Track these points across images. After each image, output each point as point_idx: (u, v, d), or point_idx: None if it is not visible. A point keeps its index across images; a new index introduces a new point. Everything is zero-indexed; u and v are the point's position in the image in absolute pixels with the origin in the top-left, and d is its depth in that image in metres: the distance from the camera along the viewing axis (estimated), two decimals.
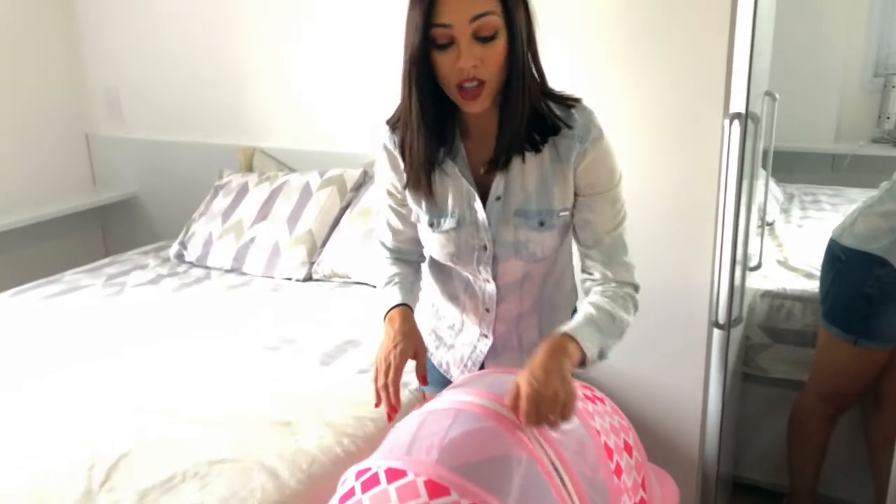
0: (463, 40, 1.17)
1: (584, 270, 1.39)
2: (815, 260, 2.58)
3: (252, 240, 2.76)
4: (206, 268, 2.83)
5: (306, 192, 2.78)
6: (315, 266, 2.66)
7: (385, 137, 1.38)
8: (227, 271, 2.78)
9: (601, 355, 1.25)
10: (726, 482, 2.35)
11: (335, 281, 2.62)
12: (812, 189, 3.62)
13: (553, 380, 1.08)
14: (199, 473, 1.50)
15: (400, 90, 1.27)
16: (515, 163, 1.30)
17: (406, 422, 1.14)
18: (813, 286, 2.42)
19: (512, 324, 1.47)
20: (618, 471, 1.12)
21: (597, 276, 1.36)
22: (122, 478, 1.49)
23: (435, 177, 1.33)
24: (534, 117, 1.28)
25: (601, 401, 1.22)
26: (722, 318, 1.93)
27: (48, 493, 1.46)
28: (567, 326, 1.23)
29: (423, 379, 1.34)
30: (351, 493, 1.02)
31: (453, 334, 1.53)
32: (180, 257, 2.92)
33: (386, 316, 1.39)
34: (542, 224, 1.32)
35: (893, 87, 3.64)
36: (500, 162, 1.29)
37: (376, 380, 1.31)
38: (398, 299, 1.40)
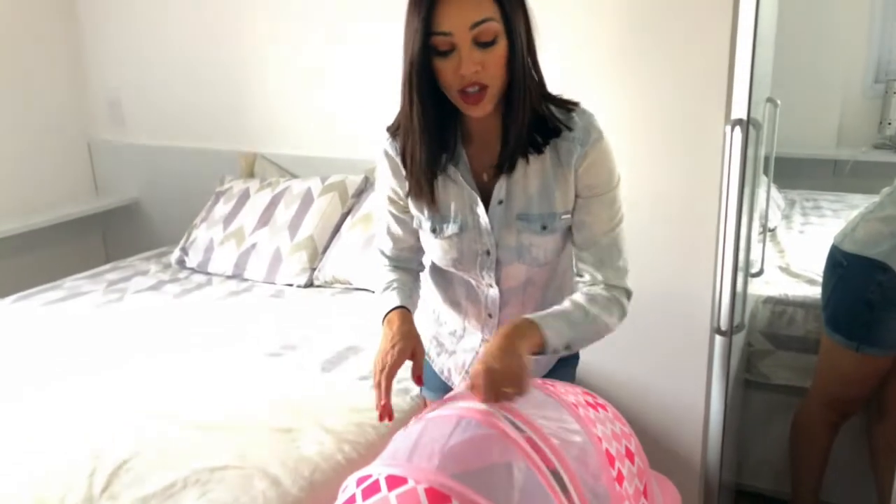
0: (463, 47, 1.18)
1: (576, 273, 1.39)
2: (816, 266, 2.58)
3: (253, 246, 2.76)
4: (208, 274, 2.83)
5: (307, 199, 2.79)
6: (316, 272, 2.66)
7: (386, 144, 1.38)
8: (229, 277, 2.78)
9: (567, 347, 1.26)
10: (728, 489, 2.34)
11: (336, 287, 2.62)
12: (813, 195, 3.62)
13: (506, 356, 1.13)
14: (200, 480, 1.49)
15: (400, 97, 1.28)
16: (518, 167, 1.30)
17: (407, 428, 1.13)
18: (815, 292, 2.42)
19: None
20: (619, 478, 1.11)
21: (587, 278, 1.36)
22: (123, 484, 1.49)
23: (437, 183, 1.33)
24: (535, 120, 1.28)
25: (603, 407, 1.21)
26: (724, 325, 1.92)
27: (49, 498, 1.45)
28: (534, 314, 1.25)
29: (418, 379, 1.33)
30: (352, 500, 1.01)
31: (455, 340, 1.53)
32: (181, 263, 2.92)
33: (384, 319, 1.39)
34: (544, 228, 1.33)
35: (894, 92, 3.64)
36: (505, 165, 1.29)
37: (374, 380, 1.31)
38: (397, 302, 1.40)
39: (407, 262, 1.50)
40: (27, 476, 1.53)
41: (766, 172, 2.40)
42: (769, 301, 2.45)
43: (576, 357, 1.63)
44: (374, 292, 1.47)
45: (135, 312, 2.45)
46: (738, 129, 1.77)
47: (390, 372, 1.27)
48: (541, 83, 1.31)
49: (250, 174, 3.14)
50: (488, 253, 1.36)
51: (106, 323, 2.36)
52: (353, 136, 2.89)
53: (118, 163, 3.60)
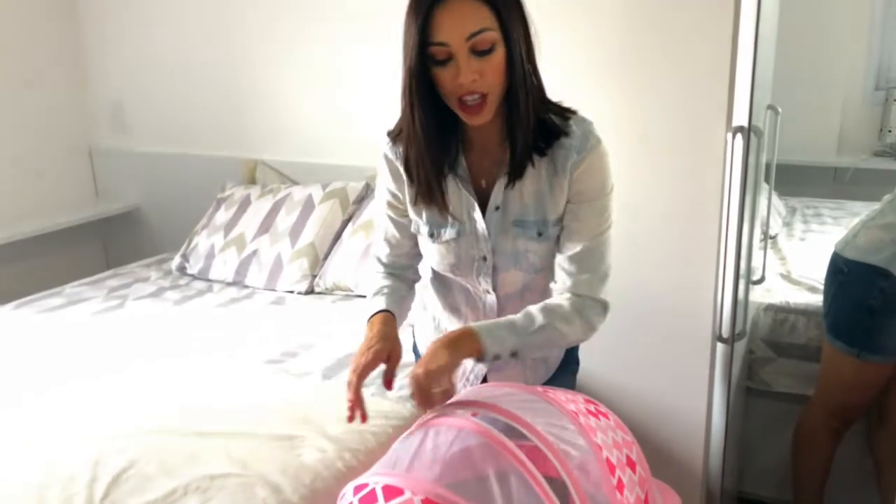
0: (461, 56, 1.18)
1: (555, 279, 1.37)
2: (817, 273, 2.57)
3: (254, 253, 2.76)
4: (208, 281, 2.83)
5: (308, 205, 2.79)
6: (317, 279, 2.66)
7: (385, 148, 1.39)
8: (229, 284, 2.78)
9: (514, 354, 1.26)
10: (730, 497, 2.33)
11: (337, 294, 2.62)
12: (814, 202, 3.62)
13: (431, 361, 1.18)
14: (200, 488, 1.49)
15: (401, 104, 1.28)
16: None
17: (407, 437, 1.13)
18: (816, 300, 2.42)
19: None
20: (620, 486, 1.11)
21: (558, 285, 1.35)
22: (124, 492, 1.48)
23: (446, 186, 1.33)
24: (538, 124, 1.28)
25: (605, 415, 1.21)
26: (725, 332, 1.92)
27: None
28: (479, 322, 1.27)
29: (387, 383, 1.33)
30: None
31: None
32: (182, 270, 2.92)
33: (368, 321, 1.39)
34: (540, 234, 1.33)
35: (895, 100, 3.65)
36: (515, 173, 1.29)
37: (349, 380, 1.31)
38: (382, 306, 1.40)
39: (402, 270, 1.50)
40: (27, 483, 1.52)
41: (767, 180, 2.41)
42: (770, 308, 2.45)
43: (576, 364, 1.62)
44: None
45: (135, 319, 2.45)
46: (739, 136, 1.77)
47: (363, 372, 1.28)
48: (540, 89, 1.31)
49: (251, 181, 3.14)
50: (485, 259, 1.36)
51: (106, 330, 2.36)
52: (355, 143, 2.89)
53: (119, 169, 3.60)
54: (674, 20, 1.80)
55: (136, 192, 3.59)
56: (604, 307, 1.35)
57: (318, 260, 2.68)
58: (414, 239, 1.45)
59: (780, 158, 2.40)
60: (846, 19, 3.72)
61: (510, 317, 1.30)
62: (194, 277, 2.87)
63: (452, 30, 1.17)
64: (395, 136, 1.37)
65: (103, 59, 3.50)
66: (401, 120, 1.31)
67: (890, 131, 3.69)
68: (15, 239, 3.16)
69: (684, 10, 1.78)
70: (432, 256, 1.42)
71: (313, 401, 1.84)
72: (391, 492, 0.99)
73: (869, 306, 1.96)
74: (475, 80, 1.19)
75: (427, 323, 1.56)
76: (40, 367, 2.07)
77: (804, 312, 2.41)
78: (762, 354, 2.45)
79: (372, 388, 1.85)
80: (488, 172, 1.34)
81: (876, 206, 2.07)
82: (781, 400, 2.44)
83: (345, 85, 2.92)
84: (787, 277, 2.66)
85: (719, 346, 1.97)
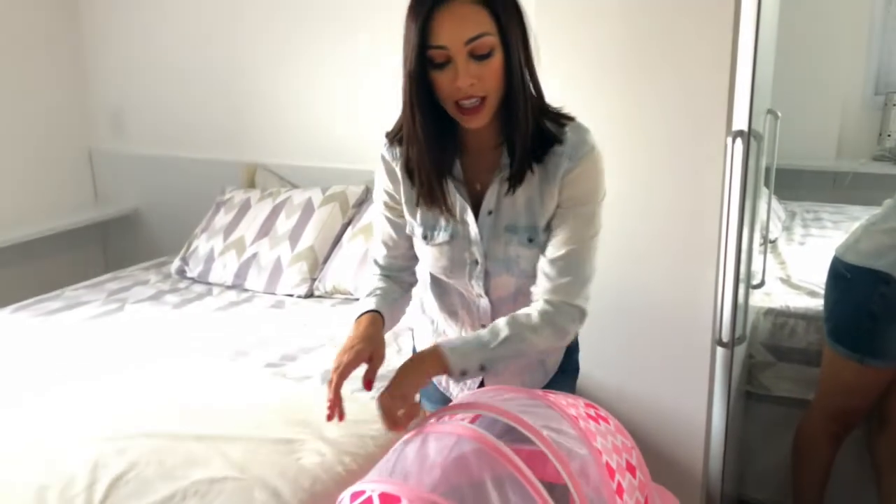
0: (459, 60, 1.19)
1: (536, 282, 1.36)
2: (817, 277, 2.57)
3: (254, 256, 2.76)
4: (208, 284, 2.82)
5: (308, 209, 2.79)
6: (317, 283, 2.65)
7: (383, 148, 1.39)
8: (229, 287, 2.77)
9: (483, 368, 1.27)
10: (731, 501, 2.33)
11: (337, 298, 2.62)
12: (814, 206, 3.62)
13: (393, 388, 1.20)
14: (199, 492, 1.48)
15: (401, 106, 1.28)
16: (505, 179, 1.31)
17: (405, 443, 1.13)
18: (816, 304, 2.42)
19: None
20: (619, 491, 1.11)
21: (538, 288, 1.33)
22: (122, 496, 1.48)
23: (447, 188, 1.33)
24: (535, 131, 1.28)
25: (605, 420, 1.21)
26: (725, 337, 1.92)
27: None
28: (447, 339, 1.28)
29: (367, 384, 1.31)
30: None
31: None
32: (182, 273, 2.92)
33: (355, 321, 1.39)
34: (530, 240, 1.33)
35: (894, 104, 3.65)
36: (516, 179, 1.29)
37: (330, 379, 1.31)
38: (371, 306, 1.40)
39: (399, 272, 1.50)
40: (26, 485, 1.52)
41: (766, 184, 2.41)
42: (770, 313, 2.45)
43: (576, 368, 1.62)
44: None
45: (134, 322, 2.44)
46: (739, 140, 1.77)
47: (343, 372, 1.27)
48: (539, 94, 1.31)
49: (251, 184, 3.14)
50: (476, 262, 1.36)
51: (105, 333, 2.36)
52: (355, 147, 2.89)
53: (119, 172, 3.60)
54: (674, 24, 1.80)
55: (136, 195, 3.59)
56: (581, 314, 1.33)
57: (318, 263, 2.68)
58: (410, 240, 1.45)
59: (779, 162, 2.40)
60: (846, 24, 3.73)
61: (479, 331, 1.31)
62: (194, 281, 2.87)
63: (451, 33, 1.18)
64: (392, 137, 1.37)
65: (103, 63, 3.50)
66: (400, 121, 1.32)
67: (889, 135, 3.69)
68: (15, 242, 3.16)
69: (684, 14, 1.78)
70: (426, 258, 1.42)
71: (312, 404, 1.84)
72: (388, 500, 0.99)
73: (871, 311, 1.96)
74: (473, 84, 1.20)
75: (426, 326, 1.56)
76: (40, 370, 2.07)
77: (804, 317, 2.40)
78: (762, 359, 2.44)
79: (371, 392, 1.85)
80: (483, 176, 1.34)
81: (876, 210, 2.06)
82: (781, 404, 2.43)
83: (345, 88, 2.92)
84: (786, 282, 2.65)
85: (719, 350, 1.97)
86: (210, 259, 2.84)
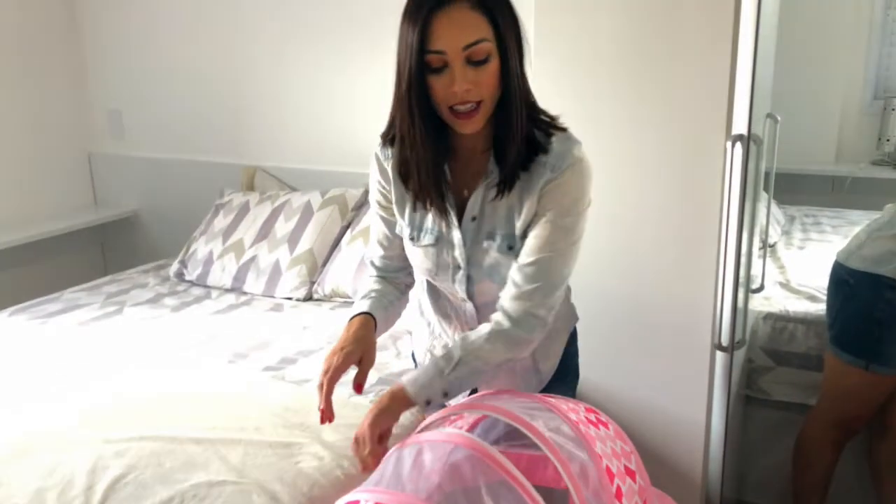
0: (456, 65, 1.19)
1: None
2: (816, 282, 2.58)
3: (252, 259, 2.76)
4: (207, 287, 2.82)
5: (307, 212, 2.78)
6: (315, 286, 2.65)
7: (377, 148, 1.41)
8: (228, 290, 2.77)
9: (446, 394, 1.26)
10: None
11: (336, 301, 2.62)
12: (813, 211, 3.63)
13: (363, 431, 1.24)
14: (198, 495, 1.48)
15: (395, 109, 1.29)
16: (491, 187, 1.31)
17: (401, 451, 1.13)
18: (815, 308, 2.42)
19: None
20: (619, 495, 1.11)
21: (504, 293, 1.32)
22: (121, 499, 1.48)
23: (446, 188, 1.33)
24: (524, 137, 1.28)
25: (605, 425, 1.21)
26: (725, 341, 1.92)
27: None
28: (409, 374, 1.29)
29: (357, 387, 1.33)
30: None
31: None
32: (180, 276, 2.91)
33: (348, 322, 1.39)
34: (510, 248, 1.32)
35: (893, 109, 3.65)
36: (506, 185, 1.29)
37: (319, 381, 1.32)
38: (364, 309, 1.41)
39: (396, 274, 1.50)
40: (24, 488, 1.51)
41: (766, 188, 2.41)
42: (769, 317, 2.45)
43: (575, 375, 1.62)
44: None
45: (133, 325, 2.44)
46: (738, 144, 1.78)
47: (333, 375, 1.29)
48: (531, 103, 1.31)
49: (250, 187, 3.14)
50: (459, 267, 1.37)
51: (104, 336, 2.35)
52: (353, 150, 2.89)
53: (118, 175, 3.60)
54: (674, 28, 1.80)
55: (135, 197, 3.58)
56: (541, 324, 1.31)
57: (317, 266, 2.68)
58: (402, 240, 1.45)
59: (779, 167, 2.40)
60: (845, 29, 3.74)
61: (437, 357, 1.30)
62: (192, 283, 2.86)
63: (449, 39, 1.18)
64: (385, 137, 1.38)
65: (102, 66, 3.50)
66: (392, 124, 1.32)
67: (888, 140, 3.70)
68: (14, 244, 3.15)
69: (684, 18, 1.78)
70: (414, 259, 1.43)
71: (311, 408, 1.83)
72: None
73: (876, 317, 1.95)
74: (468, 89, 1.20)
75: (423, 328, 1.56)
76: (38, 373, 2.07)
77: (803, 321, 2.40)
78: (761, 363, 2.44)
79: (370, 396, 1.85)
80: (470, 182, 1.34)
81: (875, 214, 2.06)
82: (780, 409, 2.43)
83: (344, 92, 2.92)
84: (786, 286, 2.65)
85: (718, 354, 1.97)
86: (209, 262, 2.84)
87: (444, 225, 1.35)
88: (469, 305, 1.42)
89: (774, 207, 3.12)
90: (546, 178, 1.27)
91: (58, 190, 3.52)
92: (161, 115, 3.39)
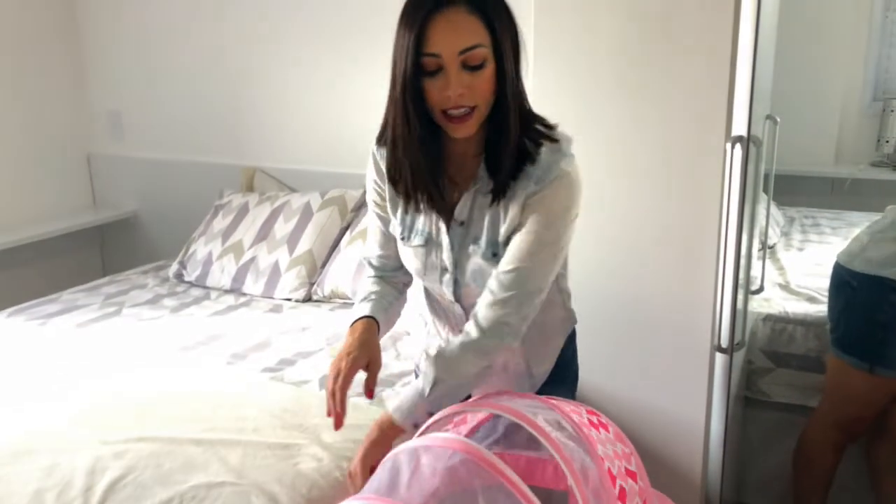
0: (451, 69, 1.19)
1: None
2: (816, 283, 2.58)
3: (252, 260, 2.75)
4: (206, 288, 2.82)
5: (307, 213, 2.78)
6: (315, 287, 2.65)
7: (373, 146, 1.42)
8: (227, 291, 2.77)
9: (432, 413, 1.26)
10: None
11: (335, 302, 2.61)
12: (812, 212, 3.63)
13: (356, 465, 1.29)
14: (197, 497, 1.48)
15: (389, 111, 1.29)
16: (480, 192, 1.31)
17: (398, 457, 1.13)
18: (815, 310, 2.42)
19: None
20: (622, 495, 1.11)
21: (479, 301, 1.31)
22: (120, 500, 1.47)
23: (444, 185, 1.33)
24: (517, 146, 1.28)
25: (605, 427, 1.21)
26: (724, 342, 1.92)
27: None
28: (391, 400, 1.35)
29: (369, 392, 1.35)
30: None
31: None
32: (179, 277, 2.91)
33: (350, 327, 1.40)
34: (494, 255, 1.32)
35: (892, 111, 3.66)
36: (499, 192, 1.29)
37: (327, 386, 1.33)
38: (366, 312, 1.41)
39: (393, 273, 1.50)
40: (23, 489, 1.51)
41: (765, 189, 2.41)
42: (769, 319, 2.45)
43: (573, 378, 1.62)
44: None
45: (132, 326, 2.44)
46: (738, 145, 1.78)
47: (344, 382, 1.30)
48: (526, 110, 1.31)
49: (249, 188, 3.14)
50: (446, 270, 1.37)
51: (102, 337, 2.35)
52: (353, 151, 2.89)
53: (117, 176, 3.59)
54: (673, 30, 1.80)
55: (134, 198, 3.58)
56: (512, 333, 1.30)
57: (316, 268, 2.68)
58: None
59: (778, 168, 2.40)
60: (844, 30, 3.74)
61: (417, 380, 1.32)
62: (192, 284, 2.86)
63: (446, 42, 1.18)
64: (380, 140, 1.38)
65: (102, 66, 3.50)
66: (391, 129, 1.30)
67: (887, 142, 3.70)
68: (13, 245, 3.15)
69: (684, 20, 1.79)
70: (404, 258, 1.43)
71: (310, 410, 1.83)
72: None
73: (881, 320, 1.94)
74: (462, 93, 1.20)
75: (421, 327, 1.56)
76: (37, 374, 2.06)
77: (802, 323, 2.40)
78: (761, 365, 2.44)
79: (374, 400, 1.85)
80: (461, 186, 1.34)
81: (875, 216, 2.06)
82: (780, 410, 2.43)
83: (343, 93, 2.92)
84: (785, 287, 2.65)
85: (718, 356, 1.97)
86: (208, 263, 2.84)
87: (433, 227, 1.35)
88: (457, 307, 1.42)
89: (774, 209, 3.12)
90: (530, 189, 1.26)
91: (57, 190, 3.52)
92: (160, 115, 3.39)
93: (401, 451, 1.14)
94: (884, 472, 2.19)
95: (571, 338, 1.57)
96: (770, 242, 2.97)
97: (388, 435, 1.29)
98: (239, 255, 2.79)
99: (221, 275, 2.78)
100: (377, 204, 1.45)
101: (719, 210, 1.84)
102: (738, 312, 1.92)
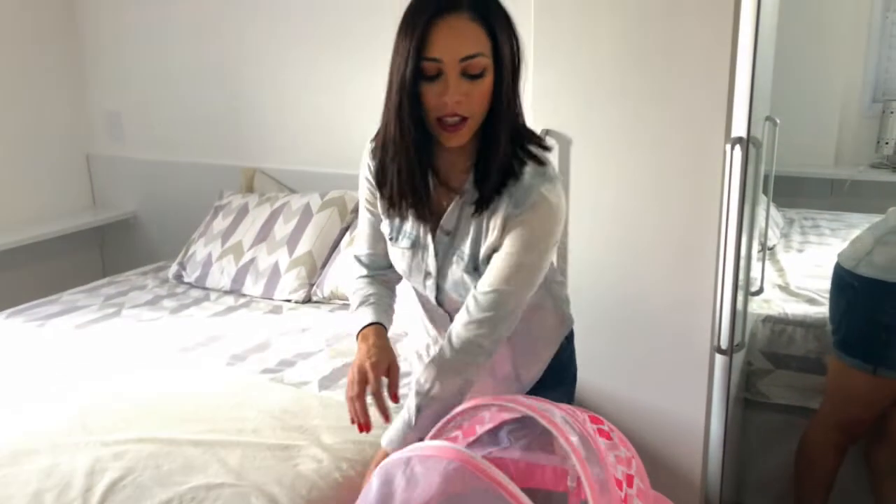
0: (451, 75, 1.19)
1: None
2: (815, 285, 2.58)
3: (251, 261, 2.75)
4: (205, 289, 2.82)
5: (306, 214, 2.78)
6: (315, 288, 2.65)
7: (369, 145, 1.42)
8: (227, 292, 2.77)
9: (421, 439, 1.27)
10: None
11: (335, 303, 2.61)
12: (812, 214, 3.63)
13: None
14: (196, 498, 1.47)
15: (385, 114, 1.28)
16: (467, 203, 1.31)
17: (392, 467, 1.13)
18: (814, 311, 2.42)
19: None
20: (626, 499, 1.12)
21: (456, 318, 1.32)
22: (119, 501, 1.47)
23: (433, 185, 1.34)
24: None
25: (607, 435, 1.21)
26: (724, 344, 1.92)
27: None
28: (384, 434, 1.35)
29: (394, 397, 1.35)
30: None
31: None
32: (179, 278, 2.91)
33: (359, 334, 1.40)
34: (475, 269, 1.32)
35: (892, 112, 3.66)
36: (484, 203, 1.28)
37: (348, 393, 1.33)
38: (372, 318, 1.41)
39: (384, 271, 1.51)
40: (23, 490, 1.51)
41: (765, 191, 2.41)
42: (769, 320, 2.44)
43: (571, 381, 1.62)
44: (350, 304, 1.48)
45: (131, 327, 2.43)
46: (738, 147, 1.78)
47: (378, 389, 1.30)
48: (520, 125, 1.30)
49: (249, 189, 3.14)
50: (430, 275, 1.37)
51: (102, 337, 2.35)
52: (353, 152, 2.87)
53: (116, 177, 3.60)
54: (673, 30, 1.80)
55: (134, 199, 3.58)
56: (484, 353, 1.30)
57: (316, 269, 2.67)
58: None
59: (777, 170, 2.41)
60: (844, 32, 3.74)
61: (402, 410, 1.34)
62: (191, 286, 2.86)
63: (448, 48, 1.17)
64: (376, 139, 1.38)
65: (101, 67, 3.50)
66: (385, 133, 1.30)
67: (887, 143, 3.70)
68: (12, 246, 3.15)
69: (683, 21, 1.79)
70: (392, 258, 1.44)
71: (310, 411, 1.83)
72: None
73: (885, 322, 1.94)
74: (460, 101, 1.20)
75: (417, 325, 1.56)
76: (36, 375, 2.06)
77: (802, 324, 2.40)
78: (760, 366, 2.44)
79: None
80: (449, 195, 1.34)
81: (875, 217, 2.05)
82: (779, 412, 2.43)
83: (343, 94, 2.92)
84: (785, 289, 2.65)
85: (718, 357, 1.97)
86: (207, 264, 2.83)
87: (420, 231, 1.36)
88: (442, 311, 1.43)
89: (773, 210, 3.12)
90: (508, 212, 1.26)
91: (56, 191, 3.52)
92: (160, 116, 3.39)
93: (393, 461, 1.14)
94: (884, 476, 2.19)
95: (569, 339, 1.57)
96: (770, 244, 2.97)
97: (380, 455, 1.33)
98: (238, 256, 2.79)
99: (221, 276, 2.78)
100: (369, 202, 1.45)
101: (719, 211, 1.84)
102: (737, 314, 1.92)
